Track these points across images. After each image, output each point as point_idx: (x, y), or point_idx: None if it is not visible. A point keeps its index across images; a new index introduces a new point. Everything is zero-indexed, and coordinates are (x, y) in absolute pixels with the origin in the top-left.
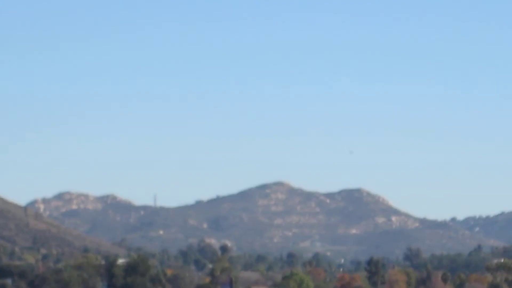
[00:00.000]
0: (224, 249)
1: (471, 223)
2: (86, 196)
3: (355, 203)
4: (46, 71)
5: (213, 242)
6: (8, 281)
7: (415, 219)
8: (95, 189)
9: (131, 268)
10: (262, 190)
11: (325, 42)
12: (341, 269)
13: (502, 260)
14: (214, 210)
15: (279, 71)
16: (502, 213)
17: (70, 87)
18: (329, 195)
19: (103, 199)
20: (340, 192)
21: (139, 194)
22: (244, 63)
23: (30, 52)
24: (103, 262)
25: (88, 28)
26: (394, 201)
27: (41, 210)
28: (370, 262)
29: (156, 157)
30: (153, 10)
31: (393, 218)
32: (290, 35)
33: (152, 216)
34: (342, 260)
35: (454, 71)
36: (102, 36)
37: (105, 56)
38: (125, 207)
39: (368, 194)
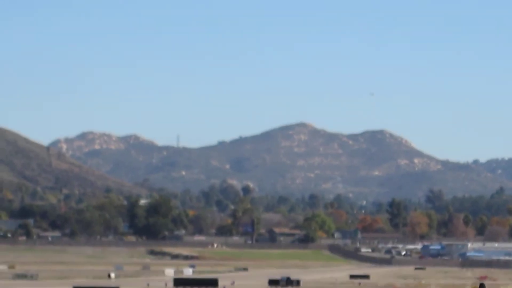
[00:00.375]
0: (246, 190)
1: (493, 165)
2: (109, 136)
3: (377, 145)
4: (69, 17)
5: (235, 183)
6: (30, 221)
7: (438, 161)
8: (118, 128)
9: (153, 209)
10: (285, 131)
11: None
12: (363, 211)
13: None
14: (237, 151)
15: (302, 15)
16: None
17: (92, 32)
18: (352, 137)
19: (125, 139)
20: (363, 134)
21: (162, 134)
22: (269, 7)
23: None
24: (125, 202)
25: None
26: (417, 143)
27: (64, 149)
28: (392, 204)
29: (179, 98)
30: None
31: (416, 160)
32: None
33: (174, 156)
34: (364, 202)
35: (473, 13)
36: None
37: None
38: (148, 147)
39: (391, 135)
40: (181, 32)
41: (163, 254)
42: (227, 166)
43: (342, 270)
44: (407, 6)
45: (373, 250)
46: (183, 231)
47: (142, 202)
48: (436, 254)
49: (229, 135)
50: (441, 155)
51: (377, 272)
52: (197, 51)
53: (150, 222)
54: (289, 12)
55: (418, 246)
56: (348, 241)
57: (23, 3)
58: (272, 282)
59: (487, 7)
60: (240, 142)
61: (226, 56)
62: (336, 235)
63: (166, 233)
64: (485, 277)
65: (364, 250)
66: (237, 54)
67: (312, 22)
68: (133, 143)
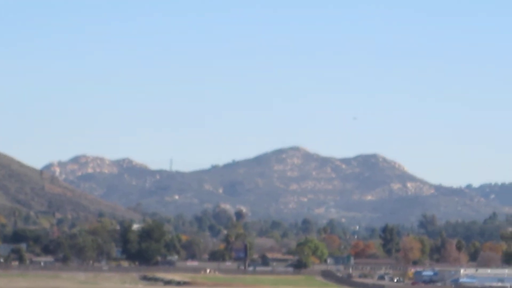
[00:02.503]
0: (239, 215)
1: (486, 190)
2: (102, 160)
3: (370, 169)
4: (61, 43)
5: (228, 207)
6: (23, 246)
7: (431, 186)
8: (111, 152)
9: (146, 234)
10: (278, 154)
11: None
12: (356, 236)
13: None
14: (230, 175)
15: (295, 35)
16: None
17: (85, 53)
18: (345, 161)
19: (119, 162)
20: (356, 158)
21: (155, 158)
22: (261, 31)
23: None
24: (118, 227)
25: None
26: (410, 167)
27: (57, 173)
28: (384, 229)
29: (173, 121)
30: None
31: (409, 184)
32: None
33: (167, 180)
34: (357, 227)
35: (474, 40)
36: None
37: (119, 33)
38: (141, 171)
39: (384, 159)
40: (174, 57)
41: (156, 279)
42: (220, 190)
43: None
44: (402, 33)
45: (365, 276)
46: (176, 256)
47: (135, 227)
48: (429, 280)
49: (222, 159)
50: (434, 180)
51: None
52: (189, 76)
53: (142, 247)
54: (282, 40)
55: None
56: (341, 267)
57: (14, 30)
58: None
59: (481, 38)
60: (233, 166)
61: (219, 80)
62: (329, 260)
63: (159, 258)
64: None
65: (358, 277)
66: (230, 78)
67: (305, 47)
68: (126, 167)
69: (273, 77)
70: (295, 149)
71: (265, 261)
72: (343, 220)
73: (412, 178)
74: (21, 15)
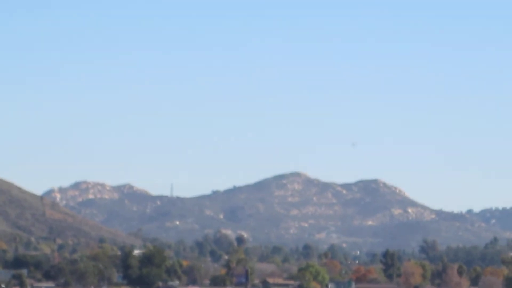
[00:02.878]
0: (240, 240)
1: (487, 215)
2: (103, 186)
3: (371, 194)
4: (62, 69)
5: (229, 233)
6: (24, 271)
7: (432, 211)
8: (112, 178)
9: (147, 259)
10: (279, 180)
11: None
12: (357, 261)
13: None
14: (231, 201)
15: (298, 61)
16: None
17: (85, 84)
18: (346, 186)
19: (119, 188)
20: (357, 183)
21: (156, 184)
22: (257, 58)
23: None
24: (119, 252)
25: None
26: (411, 193)
27: (58, 199)
28: (385, 254)
29: (173, 147)
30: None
31: (410, 210)
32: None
33: (168, 206)
34: (358, 252)
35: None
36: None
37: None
38: (142, 197)
39: (385, 185)
40: (175, 83)
41: None
42: (221, 216)
43: None
44: (401, 60)
45: None
46: (177, 282)
47: (136, 252)
48: None
49: (223, 185)
50: (435, 205)
51: None
52: (190, 102)
53: (144, 272)
54: (283, 66)
55: None
56: None
57: (15, 59)
58: None
59: (482, 66)
60: (234, 191)
61: (220, 106)
62: (330, 286)
63: (160, 283)
64: None
65: None
66: (231, 104)
67: (306, 73)
68: (127, 193)
69: (273, 103)
70: (296, 174)
71: (266, 286)
72: (344, 245)
73: (413, 204)
74: (23, 45)
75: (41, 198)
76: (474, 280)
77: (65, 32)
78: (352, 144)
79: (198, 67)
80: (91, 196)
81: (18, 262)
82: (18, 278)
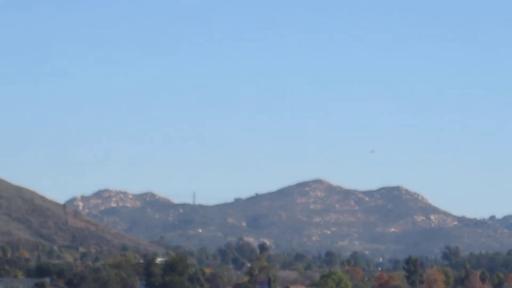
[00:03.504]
0: (262, 247)
1: (510, 221)
2: (125, 194)
3: (393, 201)
4: (84, 77)
5: (252, 240)
6: (47, 280)
7: (454, 218)
8: (134, 186)
9: (170, 267)
10: (301, 187)
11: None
12: (380, 268)
13: None
14: (253, 208)
15: (316, 68)
16: None
17: (108, 92)
18: (368, 193)
19: (142, 196)
20: (379, 190)
21: (178, 192)
22: (280, 65)
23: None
24: (141, 260)
25: None
26: (433, 199)
27: (80, 208)
28: (408, 261)
29: (196, 155)
30: None
31: (432, 217)
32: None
33: (191, 214)
34: (381, 259)
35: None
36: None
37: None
38: (164, 205)
39: (407, 192)
40: (197, 91)
41: None
42: (244, 224)
43: None
44: (427, 63)
45: None
46: None
47: (159, 260)
48: None
49: (245, 192)
50: (457, 211)
51: None
52: (212, 110)
53: (166, 280)
54: (304, 73)
55: None
56: None
57: (33, 62)
58: None
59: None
60: (256, 199)
61: (241, 113)
62: None
63: None
64: None
65: None
66: (252, 111)
67: (325, 80)
68: (149, 201)
69: (296, 110)
70: (318, 181)
71: None
72: (367, 252)
73: (435, 210)
74: (42, 48)
75: (64, 206)
76: (497, 287)
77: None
78: (371, 151)
79: (219, 74)
80: (113, 205)
81: (40, 271)
82: (40, 286)
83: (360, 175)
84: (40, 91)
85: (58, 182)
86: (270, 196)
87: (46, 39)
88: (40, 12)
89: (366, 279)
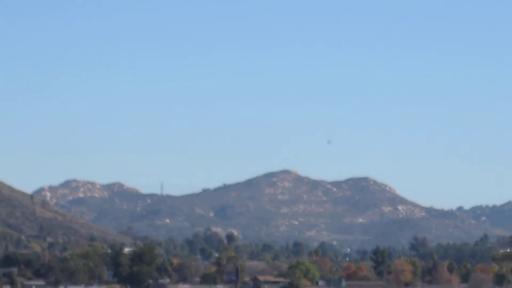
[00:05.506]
0: (230, 238)
1: (477, 212)
2: (93, 184)
3: (361, 192)
4: (57, 66)
5: (220, 231)
6: (14, 270)
7: (422, 208)
8: (102, 177)
9: (137, 257)
10: (269, 178)
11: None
12: (347, 259)
13: (509, 250)
14: (221, 199)
15: (288, 58)
16: (509, 203)
17: (77, 81)
18: (336, 184)
19: (109, 187)
20: (347, 181)
21: (146, 182)
22: (245, 55)
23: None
24: (109, 251)
25: None
26: (401, 190)
27: (48, 198)
28: (376, 251)
29: (163, 145)
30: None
31: (400, 207)
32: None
33: (158, 204)
34: (349, 250)
35: (463, 58)
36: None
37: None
38: (132, 195)
39: (375, 182)
40: (163, 81)
41: None
42: (211, 214)
43: None
44: (390, 55)
45: None
46: (167, 280)
47: (126, 250)
48: None
49: (213, 183)
50: (425, 202)
51: None
52: (180, 100)
53: (134, 270)
54: (270, 59)
55: None
56: None
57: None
58: None
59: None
60: (224, 189)
61: (210, 103)
62: (321, 283)
63: (150, 281)
64: None
65: None
66: (220, 102)
67: (295, 72)
68: (117, 191)
69: (263, 100)
70: (286, 172)
71: (256, 284)
72: (335, 242)
73: (403, 201)
74: (20, 39)
75: (31, 196)
76: (465, 277)
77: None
78: (327, 141)
79: (185, 66)
80: (81, 195)
81: (8, 261)
82: (8, 276)
83: (328, 166)
84: (7, 82)
85: (25, 172)
86: (238, 186)
87: None
88: None
89: (334, 269)
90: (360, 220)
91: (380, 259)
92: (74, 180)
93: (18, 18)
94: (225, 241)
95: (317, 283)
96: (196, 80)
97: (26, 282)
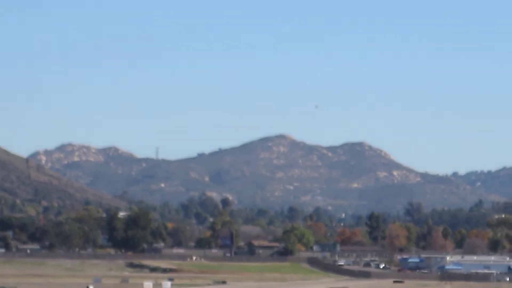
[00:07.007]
0: (225, 202)
1: (472, 177)
2: (88, 148)
3: (357, 157)
4: (48, 32)
5: (215, 195)
6: (9, 234)
7: (417, 174)
8: (97, 141)
9: (132, 221)
10: (264, 143)
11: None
12: (342, 224)
13: (503, 216)
14: (216, 163)
15: (286, 26)
16: (504, 168)
17: (71, 46)
18: (331, 149)
19: (105, 151)
20: (342, 146)
21: (141, 147)
22: (251, 23)
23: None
24: (104, 215)
25: None
26: (396, 155)
27: (43, 162)
28: (370, 217)
29: (159, 109)
30: None
31: (395, 172)
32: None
33: (153, 168)
34: (343, 215)
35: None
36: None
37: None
38: (127, 160)
39: (370, 147)
40: (159, 46)
41: (142, 267)
42: (206, 178)
43: (321, 283)
44: (387, 20)
45: (349, 264)
46: (162, 244)
47: (121, 214)
48: (415, 267)
49: (208, 147)
50: (420, 168)
51: (355, 285)
52: (175, 64)
53: (129, 234)
54: (268, 27)
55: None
56: (327, 254)
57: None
58: None
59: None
60: (219, 154)
61: (205, 69)
62: (315, 248)
63: (145, 245)
64: None
65: (342, 263)
66: (216, 67)
67: (291, 36)
68: (112, 155)
69: (258, 64)
70: (281, 137)
71: (251, 249)
72: (329, 207)
73: (398, 166)
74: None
75: (27, 160)
76: (459, 243)
77: None
78: (315, 106)
79: (184, 28)
80: (76, 159)
81: (3, 224)
82: (3, 240)
83: (323, 130)
84: (3, 45)
85: (20, 136)
86: (233, 151)
87: None
88: None
89: (329, 234)
90: (355, 185)
91: (374, 224)
92: (69, 144)
93: None
94: (220, 205)
95: (311, 248)
96: (193, 44)
97: (21, 246)
